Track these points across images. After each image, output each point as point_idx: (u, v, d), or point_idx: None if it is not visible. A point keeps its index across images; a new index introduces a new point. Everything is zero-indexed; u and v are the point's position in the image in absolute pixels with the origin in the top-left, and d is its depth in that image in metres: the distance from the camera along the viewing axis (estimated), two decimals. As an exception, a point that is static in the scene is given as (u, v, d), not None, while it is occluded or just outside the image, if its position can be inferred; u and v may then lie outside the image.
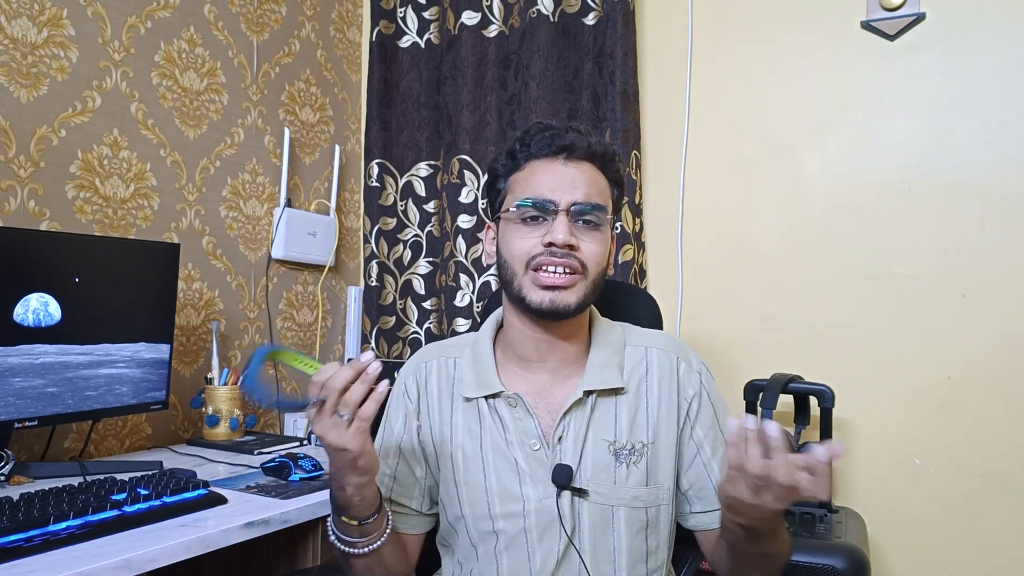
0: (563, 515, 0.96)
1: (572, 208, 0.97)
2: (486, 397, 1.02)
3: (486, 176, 1.13)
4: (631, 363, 1.03)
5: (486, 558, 1.01)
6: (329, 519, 0.97)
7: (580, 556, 0.97)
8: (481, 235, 1.10)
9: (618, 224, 1.80)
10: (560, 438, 0.98)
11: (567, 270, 0.96)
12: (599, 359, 1.02)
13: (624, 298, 1.35)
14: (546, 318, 0.99)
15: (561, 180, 0.98)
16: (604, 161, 1.03)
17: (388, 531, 0.96)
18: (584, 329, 1.06)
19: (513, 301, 1.01)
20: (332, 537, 0.96)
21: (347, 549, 0.95)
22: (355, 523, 0.92)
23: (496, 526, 0.99)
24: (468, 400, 1.03)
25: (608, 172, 1.03)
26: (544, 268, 0.96)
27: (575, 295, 0.97)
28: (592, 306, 1.07)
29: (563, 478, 0.96)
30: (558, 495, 0.96)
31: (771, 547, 0.91)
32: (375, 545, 0.94)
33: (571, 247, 0.96)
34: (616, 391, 1.01)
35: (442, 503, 1.06)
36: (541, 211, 0.97)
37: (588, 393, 1.00)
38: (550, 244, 0.96)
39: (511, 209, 1.00)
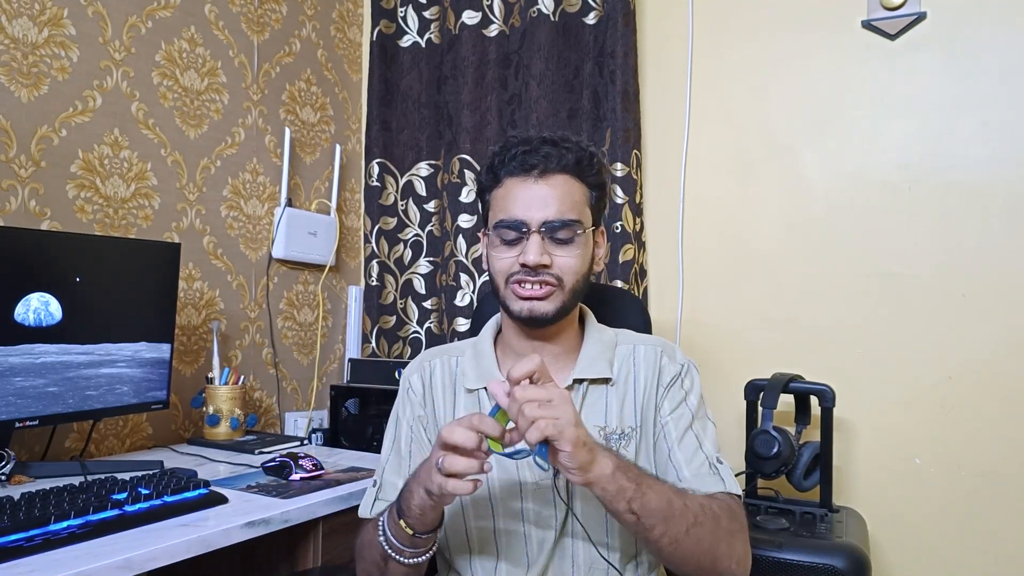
0: (559, 495, 1.00)
1: (543, 227, 1.01)
2: (487, 388, 1.04)
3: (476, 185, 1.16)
4: (620, 359, 1.08)
5: (487, 548, 1.03)
6: (383, 522, 0.97)
7: (582, 526, 0.99)
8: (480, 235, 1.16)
9: (617, 224, 1.80)
10: None
11: (541, 285, 1.01)
12: (590, 353, 1.07)
13: (613, 300, 1.35)
14: (528, 325, 1.05)
15: (533, 199, 1.02)
16: (580, 169, 1.05)
17: (433, 550, 0.98)
18: (571, 329, 1.10)
19: (502, 308, 1.08)
20: (381, 538, 0.96)
21: (394, 555, 0.95)
22: (410, 532, 0.93)
23: (495, 510, 1.03)
24: (470, 392, 1.08)
25: (586, 178, 1.05)
26: (521, 284, 1.02)
27: (552, 304, 1.02)
28: (587, 309, 1.14)
29: None
30: (555, 475, 0.99)
31: (626, 506, 0.87)
32: (419, 560, 0.96)
33: (544, 266, 1.01)
34: (605, 381, 1.06)
35: None
36: (515, 231, 1.02)
37: (579, 382, 1.05)
38: (524, 264, 1.00)
39: (491, 230, 1.06)
